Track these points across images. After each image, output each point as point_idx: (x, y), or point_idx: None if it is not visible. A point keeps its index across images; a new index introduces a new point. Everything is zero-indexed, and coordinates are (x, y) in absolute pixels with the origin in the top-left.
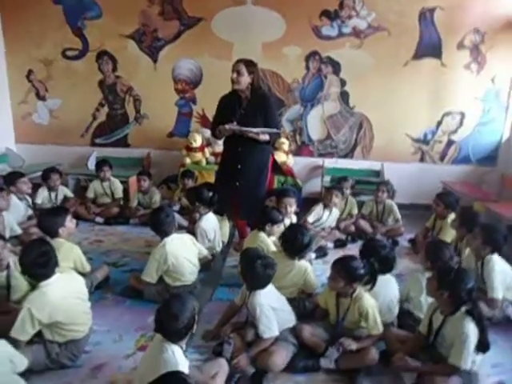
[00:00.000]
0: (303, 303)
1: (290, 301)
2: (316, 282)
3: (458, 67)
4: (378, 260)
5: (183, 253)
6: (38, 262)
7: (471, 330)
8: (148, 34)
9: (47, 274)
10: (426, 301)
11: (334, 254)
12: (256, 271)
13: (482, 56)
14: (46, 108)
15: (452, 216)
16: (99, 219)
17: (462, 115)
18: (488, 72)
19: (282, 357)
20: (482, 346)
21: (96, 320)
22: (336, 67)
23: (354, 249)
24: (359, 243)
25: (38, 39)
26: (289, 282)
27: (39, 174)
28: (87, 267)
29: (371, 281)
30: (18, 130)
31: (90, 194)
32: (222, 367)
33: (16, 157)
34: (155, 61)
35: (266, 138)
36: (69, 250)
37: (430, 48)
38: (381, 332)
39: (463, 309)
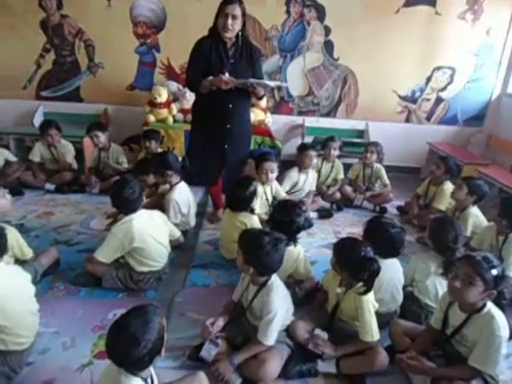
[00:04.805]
0: (293, 290)
1: None
2: (309, 268)
3: (453, 16)
4: (382, 240)
5: (152, 232)
6: None
7: (503, 330)
8: None
9: None
10: (432, 285)
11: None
12: (269, 254)
13: (479, 4)
14: None
15: (448, 184)
16: (49, 186)
17: (453, 71)
18: (483, 23)
19: (276, 364)
20: None
21: (41, 319)
22: (321, 12)
23: (340, 218)
24: (348, 212)
25: None
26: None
27: None
28: (28, 253)
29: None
30: None
31: (35, 158)
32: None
33: None
34: None
35: (262, 93)
36: None
37: None
38: (375, 341)
39: (489, 307)
